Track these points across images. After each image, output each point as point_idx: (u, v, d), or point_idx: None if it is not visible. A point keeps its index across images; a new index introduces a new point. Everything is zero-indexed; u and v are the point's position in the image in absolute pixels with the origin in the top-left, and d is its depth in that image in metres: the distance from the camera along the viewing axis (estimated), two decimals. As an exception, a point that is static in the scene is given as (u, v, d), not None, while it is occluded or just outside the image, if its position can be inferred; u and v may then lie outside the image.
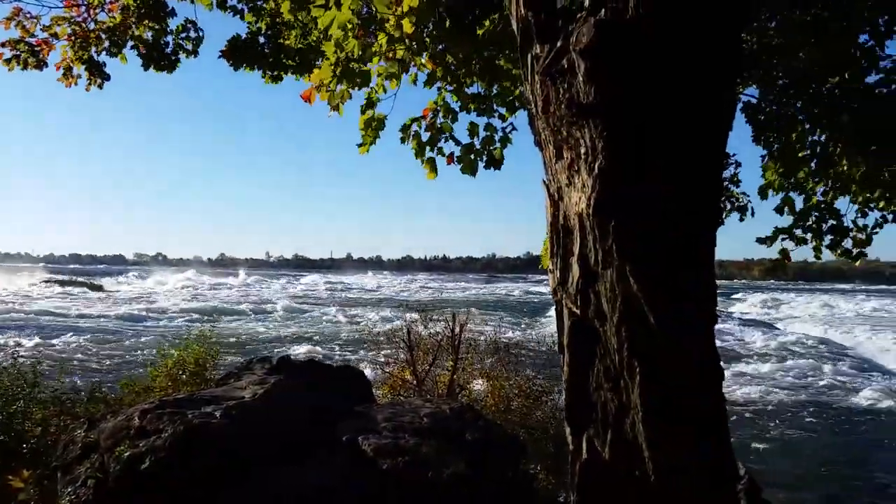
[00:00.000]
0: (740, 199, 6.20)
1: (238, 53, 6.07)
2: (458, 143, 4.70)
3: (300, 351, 28.76)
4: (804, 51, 4.81)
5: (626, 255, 2.51)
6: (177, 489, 6.30)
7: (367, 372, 11.79)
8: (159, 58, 5.79)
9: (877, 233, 5.29)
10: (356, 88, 4.17)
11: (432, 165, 4.67)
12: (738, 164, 6.50)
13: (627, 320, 2.53)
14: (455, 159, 4.66)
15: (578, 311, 2.70)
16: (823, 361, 29.90)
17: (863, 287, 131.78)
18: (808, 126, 5.02)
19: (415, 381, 12.03)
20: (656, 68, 2.45)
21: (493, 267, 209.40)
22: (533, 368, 12.93)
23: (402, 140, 4.75)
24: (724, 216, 6.60)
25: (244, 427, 7.17)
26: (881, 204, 4.71)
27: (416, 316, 13.76)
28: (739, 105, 5.50)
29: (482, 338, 14.46)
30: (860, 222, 5.28)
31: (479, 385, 12.49)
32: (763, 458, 14.47)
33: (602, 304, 2.62)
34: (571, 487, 2.78)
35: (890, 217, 4.87)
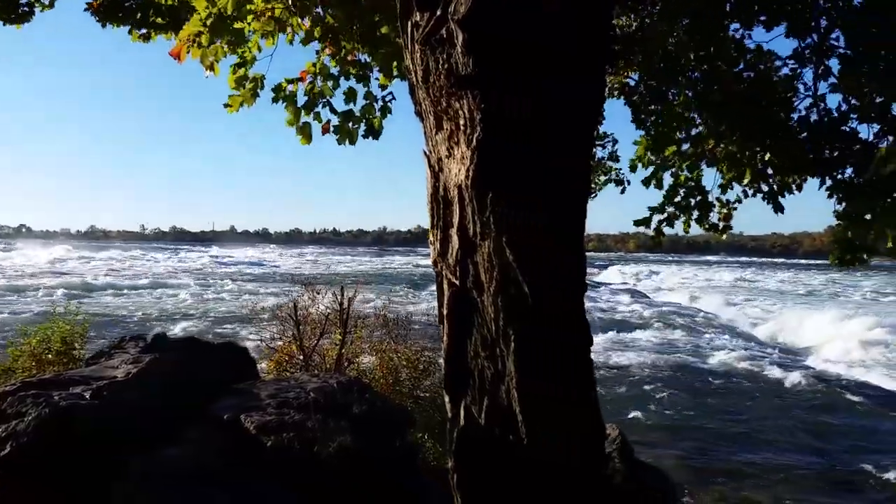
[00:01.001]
0: (618, 174, 6.54)
1: (106, 7, 5.61)
2: (334, 111, 4.59)
3: (178, 328, 27.59)
4: (680, 36, 5.05)
5: (502, 226, 2.55)
6: (46, 475, 5.92)
7: (252, 348, 11.48)
8: (8, 8, 5.24)
9: (735, 208, 5.71)
10: (228, 47, 3.96)
11: (307, 132, 4.53)
12: (616, 142, 6.83)
13: (503, 290, 2.58)
14: (332, 128, 4.54)
15: (457, 282, 2.73)
16: (690, 327, 32.19)
17: (728, 259, 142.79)
18: (680, 109, 5.30)
19: (302, 357, 11.85)
20: (531, 41, 2.48)
21: (383, 240, 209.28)
22: (422, 340, 13.06)
23: (274, 100, 4.57)
24: (598, 189, 6.92)
25: (117, 409, 6.80)
26: (743, 181, 5.06)
27: (303, 290, 13.51)
28: (620, 88, 5.72)
29: (371, 311, 14.43)
30: (723, 198, 5.66)
31: (368, 358, 12.48)
32: (635, 419, 15.43)
33: (480, 275, 2.66)
34: (449, 454, 2.83)
35: (750, 192, 5.24)
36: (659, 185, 5.53)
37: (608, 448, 9.41)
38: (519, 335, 2.56)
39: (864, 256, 4.30)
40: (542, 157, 2.51)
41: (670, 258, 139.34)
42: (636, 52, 5.35)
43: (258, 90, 4.65)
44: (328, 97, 4.74)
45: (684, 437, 14.06)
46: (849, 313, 37.63)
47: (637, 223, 5.42)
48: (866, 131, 4.04)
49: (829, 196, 4.12)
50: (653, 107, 5.43)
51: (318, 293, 13.12)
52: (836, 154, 4.03)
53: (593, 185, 6.49)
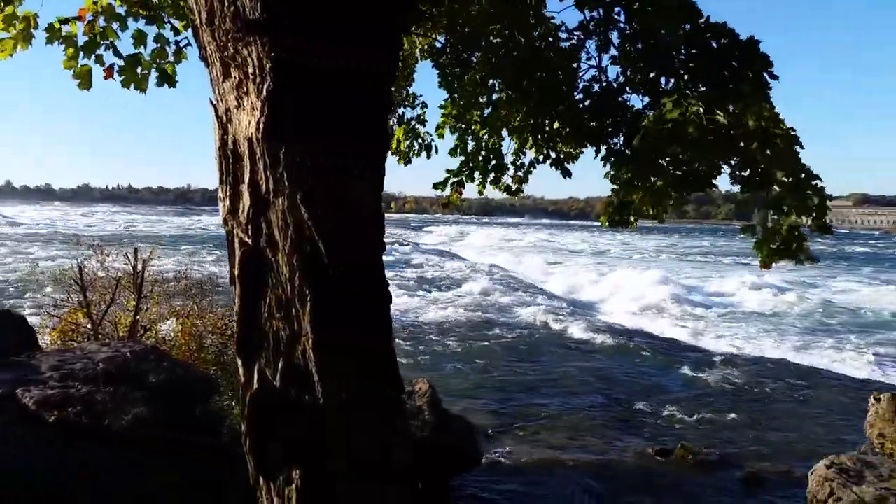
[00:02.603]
0: (425, 138, 6.53)
1: None
2: (119, 54, 4.14)
3: (-60, 297, 23.96)
4: (483, 2, 5.15)
5: (296, 182, 2.46)
6: None
7: (30, 318, 10.28)
8: None
9: (531, 172, 6.04)
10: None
11: (86, 76, 4.06)
12: (425, 105, 6.87)
13: (299, 248, 2.51)
14: (117, 71, 4.10)
15: (250, 241, 2.61)
16: (497, 285, 34.06)
17: (532, 221, 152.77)
18: (481, 75, 5.44)
19: (90, 325, 10.82)
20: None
21: (188, 198, 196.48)
22: (229, 304, 12.47)
23: (48, 41, 4.04)
24: (411, 155, 6.95)
25: None
26: (533, 149, 5.34)
27: (91, 252, 12.27)
28: (428, 49, 5.74)
29: (171, 274, 13.50)
30: (518, 162, 5.95)
31: (168, 325, 11.70)
32: (445, 372, 16.10)
33: (274, 233, 2.56)
34: (242, 418, 2.74)
35: (541, 158, 5.56)
36: (464, 153, 5.68)
37: (418, 402, 9.75)
38: (315, 294, 2.51)
39: (631, 219, 4.76)
40: (336, 109, 2.44)
41: (482, 220, 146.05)
42: (442, 13, 5.40)
43: (31, 30, 4.13)
44: (112, 39, 4.26)
45: (489, 387, 14.93)
46: (634, 270, 42.01)
47: (435, 186, 5.52)
48: (638, 102, 4.43)
49: (604, 164, 4.47)
50: (458, 70, 5.53)
51: (108, 256, 12.00)
52: (610, 124, 4.37)
53: (405, 151, 6.45)
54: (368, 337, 2.61)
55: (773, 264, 3.78)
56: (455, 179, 5.51)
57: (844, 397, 14.54)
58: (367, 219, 2.59)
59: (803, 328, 25.08)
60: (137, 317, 10.89)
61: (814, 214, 3.48)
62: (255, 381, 2.65)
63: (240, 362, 2.73)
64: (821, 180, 3.38)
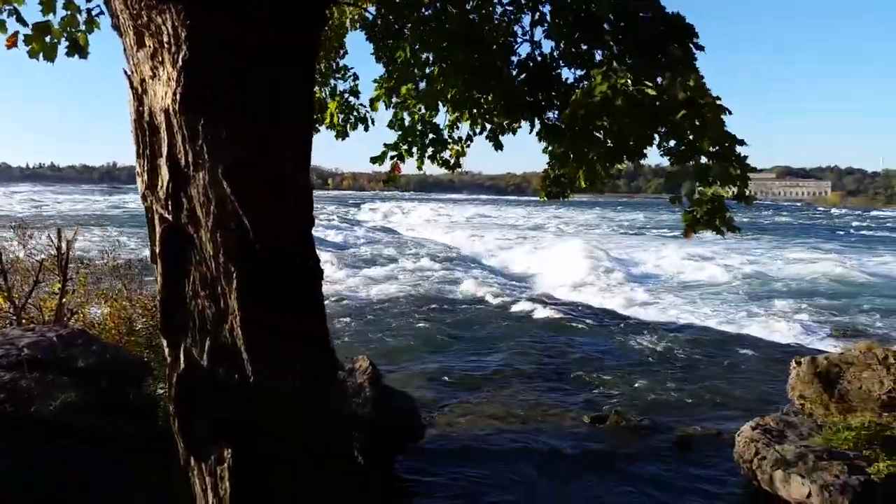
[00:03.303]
0: (359, 111, 6.39)
1: None
2: (23, 21, 3.87)
3: None
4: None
5: (217, 156, 2.37)
6: None
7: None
8: None
9: (468, 146, 6.02)
10: None
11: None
12: (356, 77, 6.71)
13: (222, 224, 2.43)
14: (23, 40, 3.84)
15: (170, 217, 2.51)
16: (436, 260, 34.17)
17: (470, 197, 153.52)
18: (417, 46, 5.36)
19: (11, 310, 10.33)
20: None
21: (114, 176, 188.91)
22: (160, 285, 12.06)
23: None
24: (347, 128, 6.79)
25: None
26: (466, 121, 5.32)
27: (10, 234, 11.68)
28: (360, 19, 5.61)
29: (98, 255, 13.00)
30: (455, 136, 5.91)
31: (97, 308, 11.28)
32: (386, 348, 16.11)
33: (196, 209, 2.47)
34: (169, 399, 2.66)
35: (477, 131, 5.54)
36: (401, 127, 5.61)
37: (359, 379, 9.73)
38: (241, 272, 2.44)
39: (567, 191, 4.82)
40: (256, 80, 2.36)
41: (420, 197, 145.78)
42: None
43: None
44: (15, 4, 3.98)
45: (430, 362, 15.03)
46: (569, 243, 42.79)
47: (373, 160, 5.44)
48: (571, 76, 4.46)
49: (539, 139, 4.50)
50: (391, 42, 5.43)
51: (30, 237, 11.45)
52: (544, 98, 4.39)
53: (339, 125, 6.28)
54: (299, 314, 2.56)
55: (696, 234, 3.89)
56: (393, 154, 5.44)
57: (769, 362, 15.26)
58: (294, 193, 2.52)
59: (731, 297, 26.12)
60: (63, 300, 10.46)
61: (737, 184, 3.60)
62: (182, 360, 2.57)
63: (165, 343, 2.64)
64: (745, 144, 3.48)
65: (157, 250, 2.57)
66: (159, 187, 2.51)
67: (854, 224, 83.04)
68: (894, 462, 7.68)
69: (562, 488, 8.53)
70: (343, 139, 6.48)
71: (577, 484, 8.69)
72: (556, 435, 10.42)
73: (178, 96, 2.34)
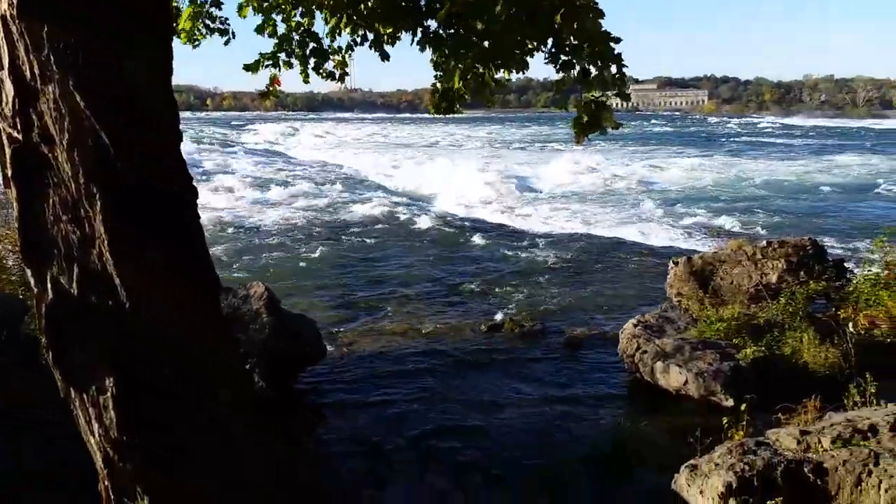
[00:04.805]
0: (223, 22, 5.93)
1: None
2: None
3: None
4: None
5: (66, 66, 2.16)
6: None
7: None
8: None
9: (351, 56, 5.81)
10: None
11: None
12: None
13: (79, 142, 2.25)
14: None
15: (20, 136, 2.29)
16: (330, 183, 33.55)
17: (362, 115, 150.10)
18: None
19: None
20: None
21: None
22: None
23: None
24: (197, 36, 6.28)
25: None
26: (349, 28, 5.10)
27: None
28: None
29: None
30: (335, 45, 5.68)
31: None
32: (282, 273, 15.86)
33: (48, 126, 2.26)
34: (40, 331, 2.52)
35: (358, 40, 5.35)
36: (273, 33, 5.32)
37: (255, 305, 9.56)
38: (105, 192, 2.28)
39: (457, 105, 4.79)
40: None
41: (309, 116, 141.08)
42: None
43: None
44: None
45: (329, 284, 14.96)
46: (463, 160, 43.03)
47: (246, 67, 5.14)
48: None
49: (421, 48, 4.41)
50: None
51: None
52: (425, 3, 4.27)
53: (190, 31, 5.78)
54: (172, 236, 2.44)
55: (587, 139, 4.00)
56: (269, 63, 5.16)
57: (650, 264, 16.27)
58: (155, 105, 2.34)
59: (616, 205, 27.39)
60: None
61: (617, 86, 3.70)
62: (50, 290, 2.41)
63: (29, 273, 2.46)
64: (619, 41, 3.56)
65: (10, 173, 2.36)
66: (4, 103, 2.27)
67: (729, 131, 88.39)
68: (759, 347, 8.50)
69: (462, 392, 8.91)
70: (195, 47, 5.96)
71: (477, 387, 9.10)
72: (456, 345, 10.77)
73: (15, 0, 2.09)
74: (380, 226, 22.60)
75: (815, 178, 35.78)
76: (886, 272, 9.52)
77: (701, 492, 5.30)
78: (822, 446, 5.30)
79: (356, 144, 63.81)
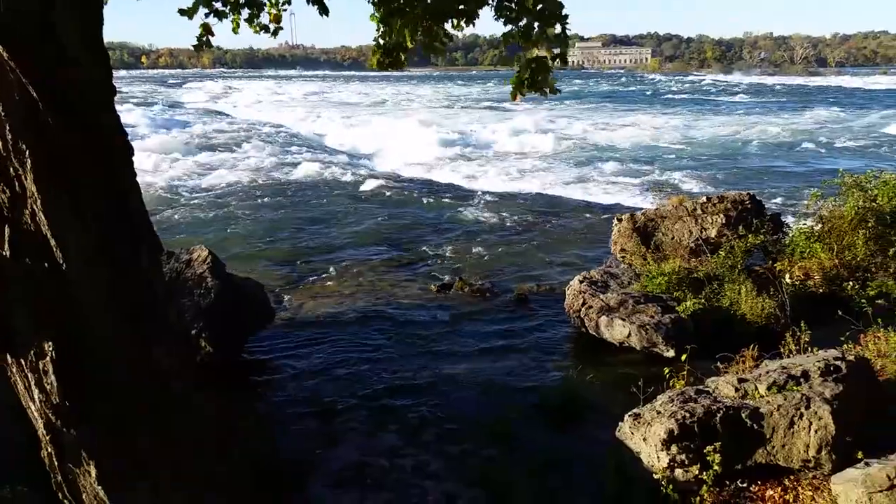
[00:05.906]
0: None
1: None
2: None
3: None
4: None
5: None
6: None
7: None
8: None
9: (285, 8, 5.61)
10: None
11: None
12: None
13: (5, 97, 2.12)
14: None
15: (-63, 90, 2.14)
16: (274, 143, 32.80)
17: (305, 73, 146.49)
18: None
19: None
20: None
21: None
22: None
23: None
24: None
25: None
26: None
27: None
28: None
29: None
30: (272, -1, 5.46)
31: None
32: (227, 237, 15.55)
33: (-32, 79, 2.12)
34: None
35: (300, -4, 5.16)
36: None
37: (199, 269, 9.35)
38: (35, 148, 2.17)
39: (401, 59, 4.71)
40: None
41: (250, 74, 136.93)
42: None
43: None
44: None
45: (277, 247, 14.72)
46: (408, 119, 42.59)
47: (181, 12, 4.89)
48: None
49: (371, 3, 4.29)
50: None
51: None
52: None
53: None
54: (107, 192, 2.35)
55: (522, 96, 3.99)
56: (206, 10, 4.94)
57: (595, 222, 16.56)
58: (81, 52, 2.22)
59: (562, 164, 27.65)
60: None
61: (559, 44, 3.69)
62: (-21, 253, 2.30)
63: (-45, 236, 2.34)
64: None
65: (-74, 129, 2.21)
66: (-83, 55, 2.12)
67: (672, 89, 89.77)
68: (699, 300, 8.79)
69: (413, 351, 8.98)
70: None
71: (427, 345, 9.18)
72: (406, 305, 10.81)
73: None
74: (324, 187, 22.28)
75: (755, 136, 36.78)
76: (820, 225, 9.92)
77: (644, 439, 5.52)
78: (758, 393, 5.57)
79: (299, 103, 62.38)
